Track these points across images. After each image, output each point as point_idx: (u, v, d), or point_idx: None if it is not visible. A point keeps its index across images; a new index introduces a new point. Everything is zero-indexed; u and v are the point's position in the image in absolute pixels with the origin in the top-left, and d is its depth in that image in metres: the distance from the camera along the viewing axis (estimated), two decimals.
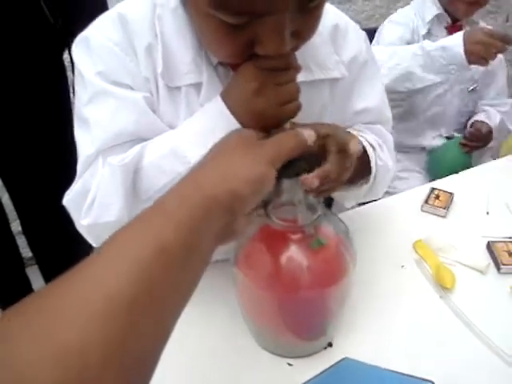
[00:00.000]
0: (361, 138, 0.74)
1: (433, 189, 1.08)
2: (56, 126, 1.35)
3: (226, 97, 0.62)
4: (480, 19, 2.27)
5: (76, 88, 0.68)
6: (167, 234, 0.38)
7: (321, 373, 0.68)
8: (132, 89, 0.66)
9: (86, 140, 0.67)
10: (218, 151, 0.49)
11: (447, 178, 1.18)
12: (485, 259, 0.89)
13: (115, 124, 0.64)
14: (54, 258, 1.58)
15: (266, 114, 0.59)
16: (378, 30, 1.72)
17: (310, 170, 0.55)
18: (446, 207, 1.03)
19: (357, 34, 0.81)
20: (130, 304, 0.33)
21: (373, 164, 0.75)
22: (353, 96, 0.82)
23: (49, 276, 1.65)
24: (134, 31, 0.65)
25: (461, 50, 1.36)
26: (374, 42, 1.69)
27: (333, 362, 0.69)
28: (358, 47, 0.80)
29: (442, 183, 1.13)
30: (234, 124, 0.60)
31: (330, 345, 0.72)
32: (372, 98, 0.83)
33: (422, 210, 1.04)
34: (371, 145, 0.78)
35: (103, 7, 1.33)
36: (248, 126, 0.59)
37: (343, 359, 0.69)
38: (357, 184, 0.78)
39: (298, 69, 0.61)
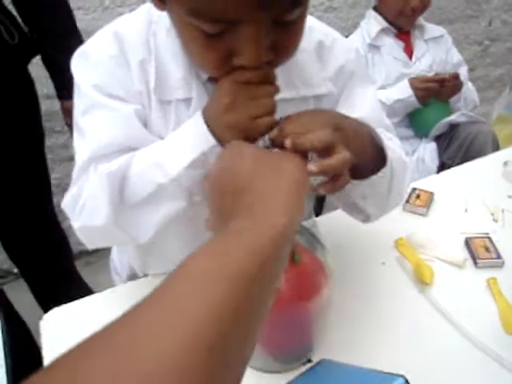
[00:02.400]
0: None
1: (414, 189, 1.11)
2: (27, 139, 1.38)
3: (205, 112, 0.64)
4: (462, 23, 2.34)
5: (74, 99, 0.72)
6: (246, 261, 0.38)
7: (300, 375, 0.70)
8: (125, 101, 0.69)
9: (81, 148, 0.70)
10: (258, 190, 0.48)
11: (428, 178, 1.22)
12: (463, 254, 0.93)
13: (107, 135, 0.68)
14: (37, 269, 1.60)
15: (238, 127, 0.60)
16: None
17: None
18: (427, 206, 1.06)
19: (344, 48, 0.80)
20: (215, 341, 0.32)
21: (385, 146, 0.69)
22: (343, 107, 0.78)
23: (36, 287, 1.66)
24: (129, 46, 0.69)
25: (413, 98, 1.73)
26: None
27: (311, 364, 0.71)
28: (345, 59, 0.78)
29: (422, 183, 1.16)
30: (210, 140, 0.62)
31: (310, 360, 0.73)
32: (365, 107, 0.79)
33: (403, 210, 1.08)
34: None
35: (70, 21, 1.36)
36: (225, 141, 0.60)
37: (320, 361, 0.72)
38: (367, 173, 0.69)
39: (275, 87, 0.62)
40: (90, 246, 0.74)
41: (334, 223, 1.04)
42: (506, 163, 1.19)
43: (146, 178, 0.64)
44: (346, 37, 1.87)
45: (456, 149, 1.75)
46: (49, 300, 1.57)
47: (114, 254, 1.03)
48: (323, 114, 0.63)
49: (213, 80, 0.69)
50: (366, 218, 0.78)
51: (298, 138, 0.54)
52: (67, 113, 1.37)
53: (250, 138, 0.60)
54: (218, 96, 0.62)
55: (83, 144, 0.70)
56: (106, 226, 0.66)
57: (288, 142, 0.53)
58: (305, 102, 0.77)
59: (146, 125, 0.71)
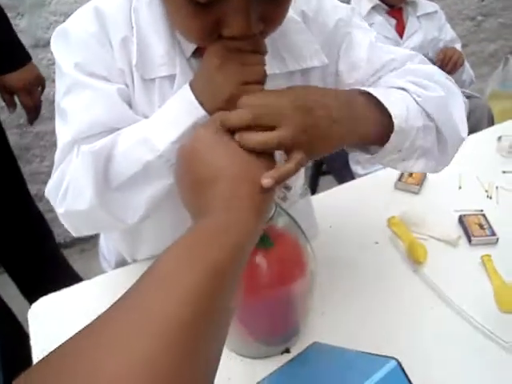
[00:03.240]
0: (376, 88, 0.66)
1: None
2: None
3: (193, 82, 0.62)
4: None
5: (56, 80, 0.69)
6: (218, 255, 0.40)
7: (292, 359, 0.69)
8: (108, 80, 0.67)
9: (63, 130, 0.68)
10: (230, 175, 0.49)
11: None
12: (457, 232, 0.92)
13: (90, 115, 0.65)
14: (18, 260, 1.58)
15: (225, 89, 0.58)
16: None
17: None
18: (419, 184, 1.05)
19: (328, 11, 0.74)
20: (191, 323, 0.34)
21: (389, 104, 0.62)
22: (345, 72, 0.74)
23: (20, 280, 1.64)
24: (109, 23, 0.66)
25: None
26: None
27: (304, 347, 0.70)
28: (332, 25, 0.73)
29: None
30: (200, 110, 0.60)
31: (288, 350, 0.72)
32: (361, 48, 0.73)
33: (395, 188, 1.06)
34: (399, 87, 0.67)
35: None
36: (212, 107, 0.59)
37: (313, 344, 0.71)
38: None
39: (265, 53, 0.60)
40: (75, 234, 0.71)
41: (326, 203, 1.03)
42: (499, 138, 1.18)
43: (132, 156, 0.62)
44: None
45: None
46: (35, 292, 1.56)
47: (102, 241, 1.01)
48: (290, 95, 0.57)
49: (197, 56, 0.67)
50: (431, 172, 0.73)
51: (245, 135, 0.52)
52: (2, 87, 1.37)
53: (235, 105, 0.56)
54: (207, 59, 0.60)
55: (65, 126, 0.67)
56: (91, 210, 0.64)
57: (236, 138, 0.52)
58: (292, 76, 0.74)
59: (130, 104, 0.69)
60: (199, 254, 0.40)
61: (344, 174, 1.72)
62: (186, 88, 0.61)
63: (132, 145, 0.62)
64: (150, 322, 0.33)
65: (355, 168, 1.78)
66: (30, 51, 1.40)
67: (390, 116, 0.61)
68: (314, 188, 1.72)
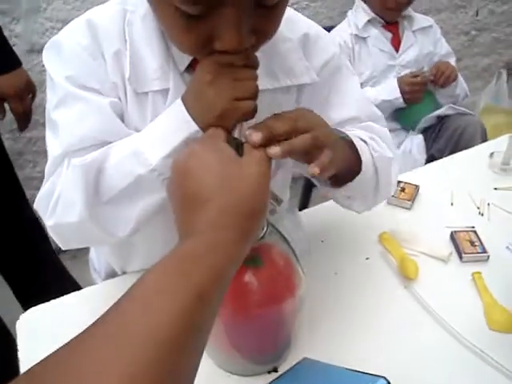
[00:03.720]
0: (346, 132, 0.73)
1: (399, 182, 1.10)
2: None
3: (185, 97, 0.62)
4: (450, 13, 2.33)
5: (47, 91, 0.69)
6: (202, 279, 0.40)
7: (281, 374, 0.69)
8: (100, 93, 0.67)
9: (54, 142, 0.67)
10: (220, 183, 0.49)
11: (413, 171, 1.21)
12: (448, 249, 0.92)
13: (81, 128, 0.65)
14: (13, 262, 1.57)
15: (217, 105, 0.58)
16: None
17: None
18: (412, 199, 1.05)
19: (328, 42, 0.79)
20: (170, 344, 0.35)
21: (361, 152, 0.70)
22: (330, 106, 0.79)
23: (14, 283, 1.63)
24: (102, 36, 0.66)
25: (400, 100, 1.76)
26: None
27: (293, 363, 0.70)
28: (330, 54, 0.78)
29: (408, 176, 1.15)
30: (192, 126, 0.59)
31: (275, 370, 0.71)
32: (353, 104, 0.80)
33: (388, 203, 1.06)
34: (361, 139, 0.74)
35: None
36: (204, 122, 0.59)
37: (303, 359, 0.70)
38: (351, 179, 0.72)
39: (256, 67, 0.61)
40: (64, 247, 0.71)
41: (318, 217, 1.03)
42: (491, 154, 1.18)
43: (124, 169, 0.62)
44: (333, 27, 1.86)
45: (445, 141, 1.75)
46: (30, 296, 1.55)
47: (93, 253, 1.00)
48: (312, 113, 0.62)
49: (190, 70, 0.68)
50: (355, 211, 0.81)
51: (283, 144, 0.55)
52: None
53: (228, 120, 0.58)
54: (198, 74, 0.60)
55: (56, 138, 0.67)
56: (81, 223, 0.63)
57: (256, 136, 0.53)
58: (287, 93, 0.75)
59: (122, 118, 0.68)
60: (182, 278, 0.40)
61: None
62: (179, 103, 0.61)
63: (124, 158, 0.62)
64: (131, 344, 0.34)
65: None
66: (25, 56, 1.40)
67: (359, 160, 0.70)
68: (305, 201, 1.72)
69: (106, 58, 0.66)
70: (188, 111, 0.60)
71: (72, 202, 0.63)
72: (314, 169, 0.57)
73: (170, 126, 0.61)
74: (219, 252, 0.44)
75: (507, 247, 0.93)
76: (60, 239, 0.70)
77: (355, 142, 0.71)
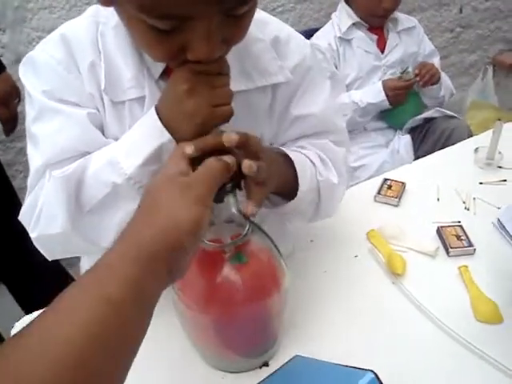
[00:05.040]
0: (292, 153, 0.74)
1: (385, 179, 1.12)
2: None
3: (159, 106, 0.62)
4: (434, 11, 2.35)
5: (26, 106, 0.70)
6: (112, 287, 0.40)
7: (273, 372, 0.70)
8: (78, 105, 0.68)
9: (35, 154, 0.68)
10: (151, 200, 0.50)
11: (399, 168, 1.23)
12: (435, 244, 0.93)
13: (61, 139, 0.66)
14: (14, 267, 1.57)
15: (198, 114, 0.59)
16: None
17: (236, 187, 0.58)
18: (398, 196, 1.06)
19: (299, 43, 0.80)
20: (75, 357, 0.36)
21: (300, 176, 0.72)
22: (294, 101, 0.79)
23: (15, 288, 1.64)
24: (76, 49, 0.68)
25: (386, 102, 1.78)
26: None
27: (285, 361, 0.71)
28: (301, 55, 0.78)
29: (394, 174, 1.17)
30: (164, 134, 0.61)
31: (266, 364, 0.72)
32: (315, 105, 0.80)
33: (375, 201, 1.08)
34: (310, 160, 0.76)
35: None
36: (180, 132, 0.60)
37: (294, 357, 0.72)
38: (288, 198, 0.75)
39: (228, 72, 0.62)
40: (50, 257, 0.72)
41: None
42: (476, 150, 1.20)
43: (101, 179, 0.63)
44: (319, 29, 1.88)
45: (432, 144, 1.77)
46: (31, 301, 1.55)
47: (84, 263, 1.00)
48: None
49: (165, 77, 0.69)
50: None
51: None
52: None
53: (208, 126, 0.59)
54: (174, 85, 0.61)
55: (36, 151, 0.68)
56: (64, 234, 0.64)
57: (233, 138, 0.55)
58: (262, 92, 0.76)
59: (102, 128, 0.70)
60: (95, 286, 0.41)
61: None
62: (152, 112, 0.62)
63: (101, 168, 0.63)
64: (48, 351, 0.35)
65: None
66: (12, 67, 1.40)
67: (296, 184, 0.72)
68: None
69: (81, 70, 0.68)
70: (164, 121, 0.61)
71: (54, 214, 0.64)
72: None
73: (144, 135, 0.63)
74: (135, 262, 0.43)
75: (492, 223, 0.98)
76: (45, 250, 0.71)
77: (296, 165, 0.73)
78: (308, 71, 0.80)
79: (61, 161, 0.65)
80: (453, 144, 1.33)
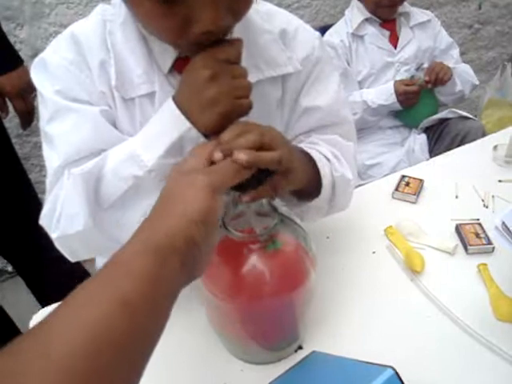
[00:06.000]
0: (311, 150, 0.74)
1: (403, 176, 1.10)
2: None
3: (177, 97, 0.62)
4: (452, 6, 2.32)
5: (39, 107, 0.71)
6: (126, 286, 0.39)
7: (291, 368, 0.70)
8: (90, 104, 0.68)
9: (52, 156, 0.69)
10: (165, 194, 0.49)
11: (417, 165, 1.22)
12: (453, 241, 0.92)
13: (77, 138, 0.67)
14: (31, 263, 1.59)
15: (219, 102, 0.58)
16: None
17: (261, 183, 0.56)
18: (416, 193, 1.05)
19: (307, 35, 0.80)
20: (87, 362, 0.34)
21: (323, 174, 0.72)
22: (303, 92, 0.80)
23: (33, 284, 1.65)
24: (86, 49, 0.68)
25: (397, 105, 1.77)
26: None
27: (302, 356, 0.71)
28: (310, 47, 0.79)
29: (412, 171, 1.15)
30: (184, 123, 0.60)
31: (300, 347, 0.73)
32: (324, 96, 0.80)
33: (393, 198, 1.07)
34: (325, 156, 0.76)
35: None
36: (202, 121, 0.60)
37: (312, 353, 0.71)
38: (309, 196, 0.75)
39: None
40: (73, 259, 0.72)
41: None
42: (495, 147, 1.18)
43: (122, 174, 0.63)
44: (332, 25, 1.86)
45: (447, 145, 1.74)
46: (48, 294, 1.56)
47: (99, 260, 1.00)
48: (277, 132, 0.62)
49: (174, 72, 0.69)
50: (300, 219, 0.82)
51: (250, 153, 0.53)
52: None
53: (229, 119, 0.59)
54: (195, 71, 0.59)
55: (53, 151, 0.68)
56: (86, 232, 0.64)
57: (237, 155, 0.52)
58: (272, 83, 0.76)
59: (114, 125, 0.70)
60: (109, 284, 0.40)
61: None
62: (169, 102, 0.62)
63: (121, 162, 0.63)
64: (56, 359, 0.34)
65: None
66: (30, 61, 1.39)
67: (319, 177, 0.72)
68: None
69: (92, 68, 0.68)
70: (182, 109, 0.60)
71: (75, 212, 0.64)
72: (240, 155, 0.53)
73: (164, 127, 0.62)
74: (147, 256, 0.42)
75: (495, 227, 0.95)
76: (67, 250, 0.71)
77: (318, 162, 0.72)
78: (317, 63, 0.80)
79: (78, 160, 0.66)
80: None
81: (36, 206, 1.52)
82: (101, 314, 0.37)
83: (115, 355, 0.36)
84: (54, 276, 1.58)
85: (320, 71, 0.80)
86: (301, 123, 0.82)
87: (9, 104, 1.42)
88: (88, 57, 0.68)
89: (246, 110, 0.61)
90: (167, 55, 0.68)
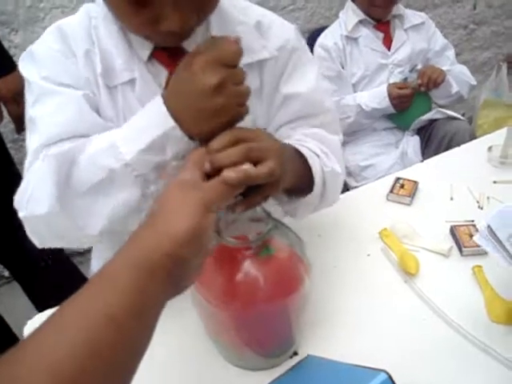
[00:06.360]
0: (301, 148, 0.74)
1: (398, 178, 1.11)
2: None
3: (168, 95, 0.61)
4: (447, 7, 2.32)
5: (25, 97, 0.73)
6: (112, 300, 0.40)
7: (286, 372, 0.70)
8: (75, 88, 0.71)
9: (33, 138, 0.69)
10: (157, 206, 0.49)
11: (412, 167, 1.22)
12: (448, 243, 0.92)
13: (59, 119, 0.68)
14: (27, 267, 1.58)
15: (225, 113, 0.58)
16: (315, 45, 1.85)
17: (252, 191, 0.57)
18: (411, 195, 1.06)
19: (282, 27, 0.83)
20: (74, 374, 0.35)
21: (315, 171, 0.73)
22: (283, 80, 0.81)
23: (29, 288, 1.65)
24: (72, 39, 0.72)
25: (391, 108, 1.78)
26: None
27: (297, 360, 0.71)
28: (285, 37, 0.81)
29: (407, 172, 1.16)
30: (170, 121, 0.59)
31: (296, 353, 0.73)
32: (303, 83, 0.82)
33: (387, 200, 1.07)
34: (314, 152, 0.76)
35: None
36: (197, 130, 0.59)
37: (306, 357, 0.71)
38: (300, 193, 0.76)
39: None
40: (40, 244, 0.70)
41: (318, 216, 1.03)
42: (490, 148, 1.19)
43: (98, 163, 0.62)
44: (327, 27, 1.87)
45: (436, 147, 1.75)
46: (44, 299, 1.56)
47: (94, 262, 1.00)
48: (263, 133, 0.62)
49: (152, 60, 0.74)
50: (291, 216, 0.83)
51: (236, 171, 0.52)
52: None
53: (231, 125, 0.58)
54: (195, 76, 0.57)
55: (34, 134, 0.69)
56: (52, 214, 0.63)
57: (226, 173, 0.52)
58: (250, 72, 0.74)
59: (98, 112, 0.72)
60: (95, 298, 0.40)
61: None
62: (158, 98, 0.61)
63: (100, 151, 0.63)
64: (44, 378, 0.34)
65: (348, 180, 1.80)
66: None
67: (309, 174, 0.73)
68: None
69: (78, 57, 0.72)
70: (172, 110, 0.59)
71: (43, 194, 0.62)
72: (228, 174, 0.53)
73: (148, 122, 0.61)
74: (134, 270, 0.42)
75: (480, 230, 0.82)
76: (33, 233, 0.69)
77: (309, 159, 0.73)
78: (294, 51, 0.82)
79: (59, 141, 0.66)
80: (455, 146, 1.32)
81: None
82: (87, 328, 0.37)
83: (101, 368, 0.37)
84: (50, 281, 1.58)
85: (297, 59, 0.82)
86: (282, 112, 0.82)
87: (3, 109, 1.43)
88: (73, 46, 0.72)
89: (243, 116, 0.60)
90: (145, 46, 0.72)
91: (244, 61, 0.72)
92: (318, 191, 0.75)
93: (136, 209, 0.64)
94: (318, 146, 0.78)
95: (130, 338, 0.40)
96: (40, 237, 0.70)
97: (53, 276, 1.59)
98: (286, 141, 0.75)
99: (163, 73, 0.74)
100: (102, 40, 0.72)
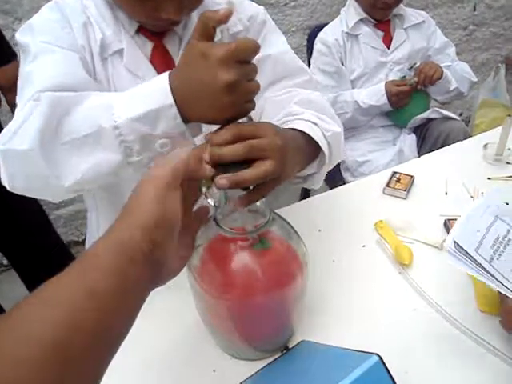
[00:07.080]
0: (300, 123, 0.74)
1: (394, 172, 1.13)
2: None
3: (176, 78, 0.60)
4: (447, 7, 2.33)
5: (20, 64, 0.77)
6: (96, 276, 0.41)
7: (279, 356, 0.72)
8: (72, 51, 0.77)
9: (26, 90, 0.70)
10: (130, 201, 0.49)
11: (408, 162, 1.24)
12: (442, 236, 0.94)
13: (55, 72, 0.72)
14: (26, 256, 1.60)
15: (232, 110, 0.58)
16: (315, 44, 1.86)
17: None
18: (407, 189, 1.08)
19: (252, 5, 0.93)
20: (56, 345, 0.36)
21: (322, 144, 0.73)
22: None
23: (27, 277, 1.66)
24: (69, 12, 0.80)
25: (388, 106, 1.79)
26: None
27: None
28: (255, 9, 0.92)
29: (403, 167, 1.18)
30: (169, 99, 0.59)
31: (286, 348, 0.73)
32: (274, 47, 0.90)
33: (383, 193, 1.09)
34: (313, 122, 0.75)
35: None
36: (202, 119, 0.60)
37: (300, 342, 0.73)
38: (307, 168, 0.78)
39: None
40: (9, 186, 0.68)
41: (317, 207, 1.05)
42: (485, 146, 1.21)
43: (90, 117, 0.63)
44: (327, 24, 1.88)
45: (431, 145, 1.76)
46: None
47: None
48: (268, 128, 0.61)
49: (139, 33, 0.83)
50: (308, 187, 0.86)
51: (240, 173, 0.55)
52: None
53: (234, 120, 0.59)
54: (211, 69, 0.56)
55: (28, 87, 0.70)
56: (30, 154, 0.62)
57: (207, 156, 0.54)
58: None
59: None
60: (78, 275, 0.42)
61: (335, 180, 1.75)
62: (165, 75, 0.61)
63: (95, 107, 0.64)
64: (27, 346, 0.35)
65: (345, 175, 1.81)
66: None
67: (314, 147, 0.74)
68: (307, 192, 1.75)
69: (74, 27, 0.79)
70: (177, 93, 0.59)
71: (29, 131, 0.63)
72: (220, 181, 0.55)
73: (148, 93, 0.62)
74: (116, 253, 0.44)
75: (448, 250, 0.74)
76: (6, 173, 0.67)
77: (312, 135, 0.72)
78: (263, 23, 0.93)
79: (53, 91, 0.67)
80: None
81: (29, 201, 1.53)
82: (68, 301, 0.39)
83: (82, 341, 0.38)
84: (48, 269, 1.59)
85: (267, 30, 0.93)
86: (258, 77, 0.82)
87: (2, 98, 1.44)
88: (70, 19, 0.80)
89: (249, 112, 0.61)
90: (132, 24, 0.82)
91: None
92: (327, 159, 0.76)
93: (112, 173, 0.65)
94: (313, 114, 0.78)
95: (110, 317, 0.41)
96: (11, 175, 0.67)
97: (50, 264, 1.60)
98: (284, 119, 0.77)
99: (149, 44, 0.84)
100: (93, 15, 0.81)
